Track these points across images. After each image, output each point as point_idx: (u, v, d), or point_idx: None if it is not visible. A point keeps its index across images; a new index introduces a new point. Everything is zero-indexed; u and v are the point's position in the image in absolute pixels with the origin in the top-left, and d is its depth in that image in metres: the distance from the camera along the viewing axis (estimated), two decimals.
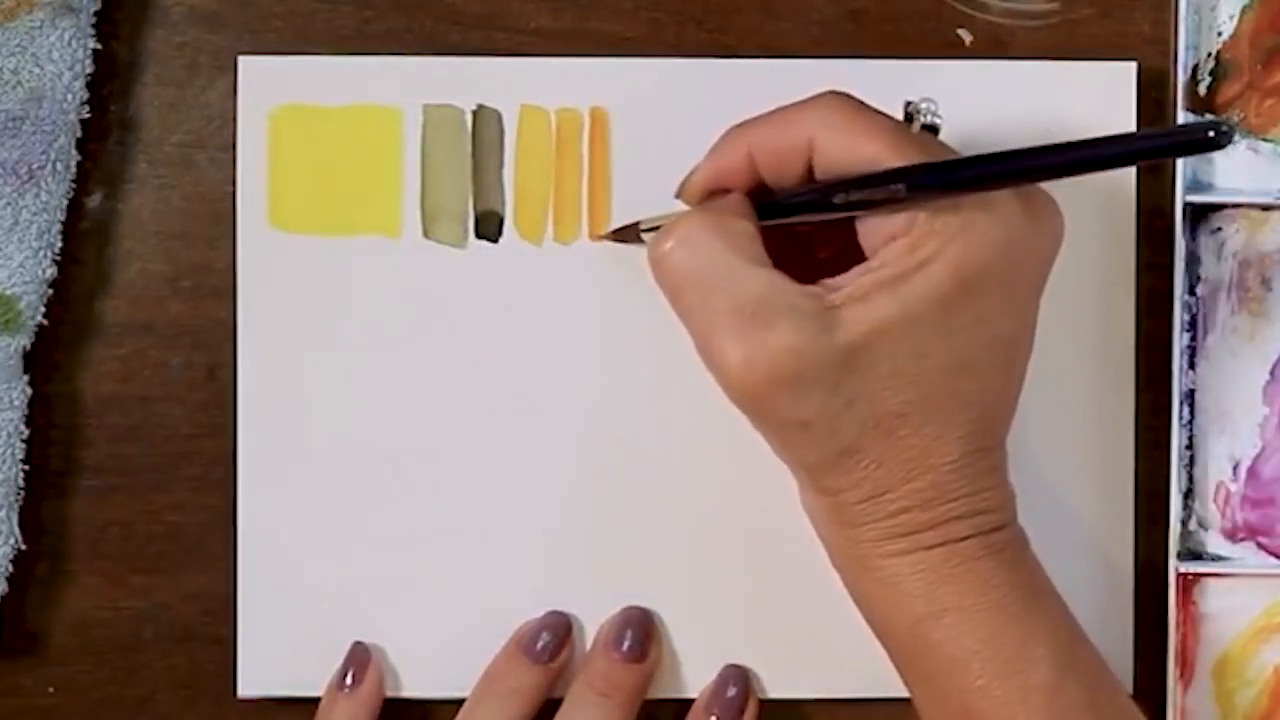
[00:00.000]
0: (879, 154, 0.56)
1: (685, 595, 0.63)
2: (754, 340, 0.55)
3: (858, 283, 0.55)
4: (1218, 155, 0.63)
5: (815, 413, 0.55)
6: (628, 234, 0.62)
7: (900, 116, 0.58)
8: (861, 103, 0.57)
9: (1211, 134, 0.52)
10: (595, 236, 0.63)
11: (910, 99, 0.58)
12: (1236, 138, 0.63)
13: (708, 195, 0.59)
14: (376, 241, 0.63)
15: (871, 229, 0.56)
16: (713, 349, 0.56)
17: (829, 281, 0.56)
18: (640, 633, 0.63)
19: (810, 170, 0.57)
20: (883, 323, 0.55)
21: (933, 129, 0.58)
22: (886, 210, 0.56)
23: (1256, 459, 0.64)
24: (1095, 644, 0.58)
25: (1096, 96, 0.63)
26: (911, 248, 0.55)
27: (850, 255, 0.57)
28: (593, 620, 0.63)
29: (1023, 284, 0.57)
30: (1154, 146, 0.56)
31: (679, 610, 0.64)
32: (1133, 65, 0.63)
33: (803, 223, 0.59)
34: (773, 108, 0.58)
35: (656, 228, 0.60)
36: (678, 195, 0.60)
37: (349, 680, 0.63)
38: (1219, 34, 0.64)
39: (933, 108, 0.58)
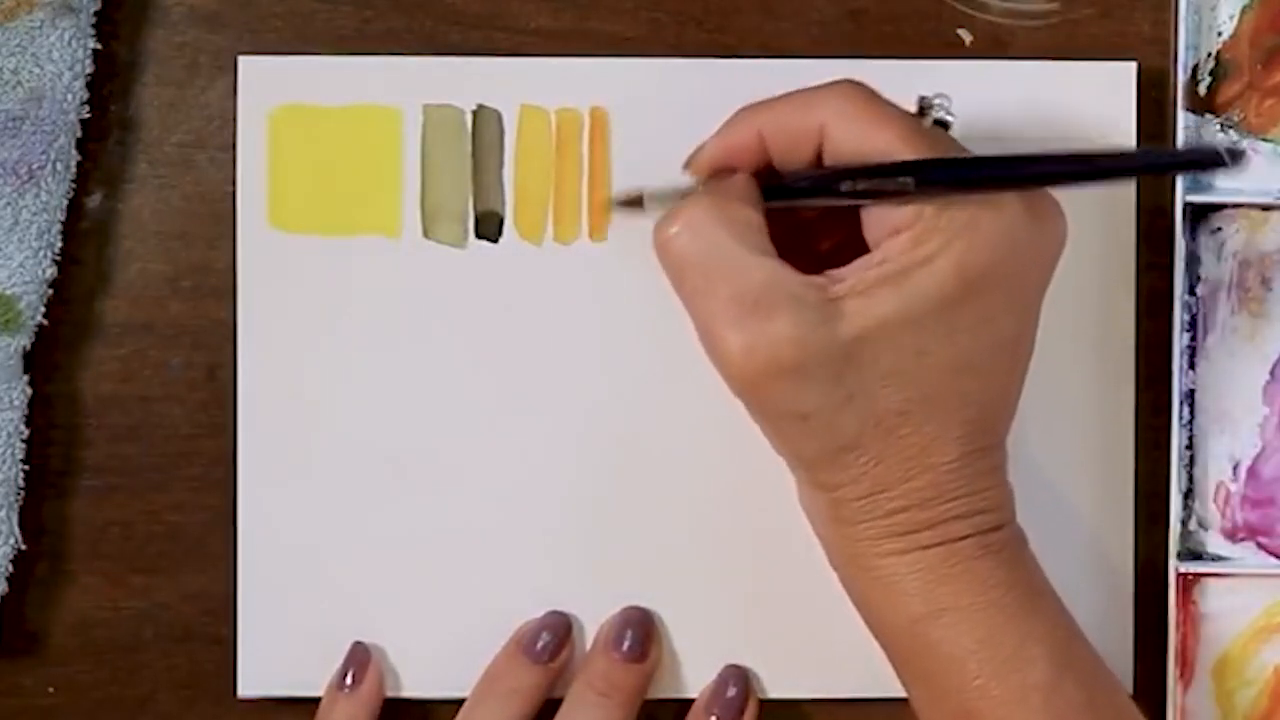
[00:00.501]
0: (890, 145, 0.56)
1: (685, 595, 0.63)
2: (755, 329, 0.55)
3: (860, 276, 0.55)
4: None
5: (814, 405, 0.55)
6: (633, 204, 0.61)
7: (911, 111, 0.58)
8: (876, 93, 0.57)
9: (1226, 155, 0.53)
10: (600, 204, 0.63)
11: (924, 94, 0.58)
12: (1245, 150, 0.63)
13: (715, 171, 0.59)
14: (376, 241, 0.63)
15: (876, 220, 0.56)
16: (714, 336, 0.56)
17: (832, 273, 0.56)
18: (640, 633, 0.63)
19: (819, 156, 0.57)
20: (885, 318, 0.55)
21: (944, 124, 0.58)
22: (892, 202, 0.56)
23: (1256, 459, 0.64)
24: (1095, 644, 0.58)
25: (1096, 96, 0.63)
26: (915, 242, 0.55)
27: (854, 246, 0.57)
28: (593, 620, 0.63)
29: (1026, 285, 0.57)
30: (1165, 163, 0.59)
31: (679, 610, 0.64)
32: (1133, 65, 0.63)
33: (807, 207, 0.58)
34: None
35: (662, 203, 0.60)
36: (685, 166, 0.59)
37: (349, 680, 0.63)
38: (1219, 34, 0.64)
39: (945, 104, 0.58)
